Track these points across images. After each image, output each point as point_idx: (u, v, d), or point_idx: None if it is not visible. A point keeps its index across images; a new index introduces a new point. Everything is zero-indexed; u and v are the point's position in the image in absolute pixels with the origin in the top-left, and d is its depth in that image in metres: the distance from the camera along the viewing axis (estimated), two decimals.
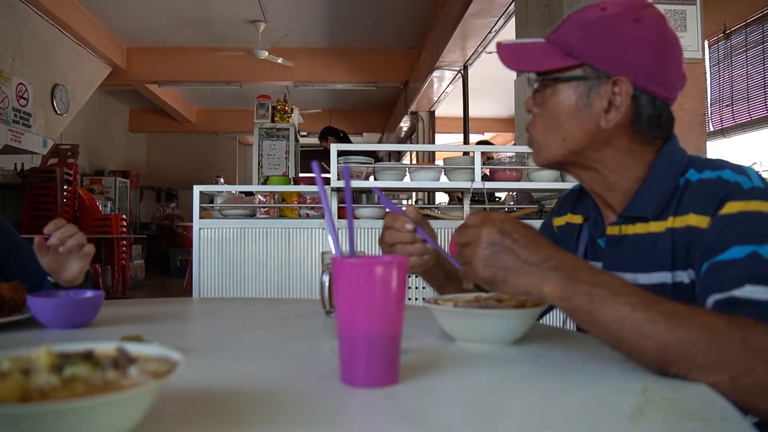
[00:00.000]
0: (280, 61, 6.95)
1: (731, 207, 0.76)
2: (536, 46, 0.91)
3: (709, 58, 4.66)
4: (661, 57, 0.84)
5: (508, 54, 0.90)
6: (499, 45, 0.91)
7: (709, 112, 4.67)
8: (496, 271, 0.70)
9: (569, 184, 2.55)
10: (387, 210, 2.98)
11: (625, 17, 0.84)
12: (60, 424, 0.38)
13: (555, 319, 1.18)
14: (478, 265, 0.71)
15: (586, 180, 0.93)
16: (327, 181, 2.79)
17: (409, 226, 0.91)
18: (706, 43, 4.61)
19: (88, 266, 1.23)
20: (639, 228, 0.88)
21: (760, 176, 0.80)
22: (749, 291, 0.69)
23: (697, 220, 0.80)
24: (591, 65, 0.84)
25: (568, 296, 0.67)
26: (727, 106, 4.58)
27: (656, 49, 0.84)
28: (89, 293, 1.02)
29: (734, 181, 0.79)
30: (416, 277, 2.64)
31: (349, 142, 5.61)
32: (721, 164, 0.83)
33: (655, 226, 0.86)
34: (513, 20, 4.66)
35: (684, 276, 0.82)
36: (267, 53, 6.96)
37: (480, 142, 5.60)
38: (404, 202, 5.57)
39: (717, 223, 0.77)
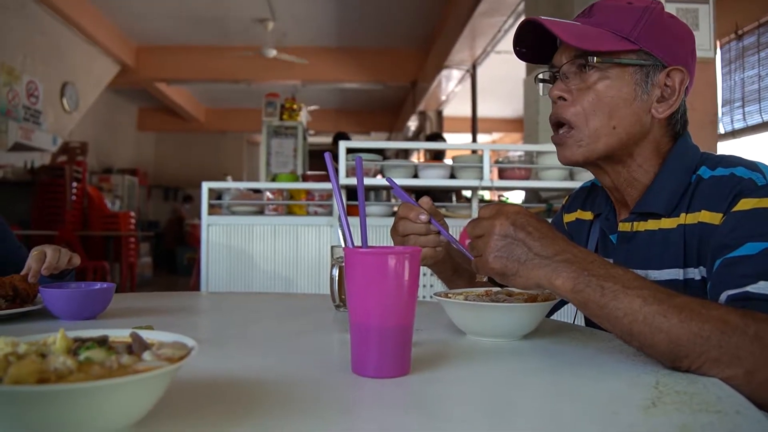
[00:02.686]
0: (291, 58, 6.94)
1: (745, 204, 0.76)
2: (580, 26, 0.86)
3: (721, 59, 4.62)
4: (695, 54, 0.87)
5: (561, 29, 0.83)
6: (541, 20, 0.84)
7: (720, 113, 4.64)
8: (508, 263, 0.70)
9: (578, 183, 2.54)
10: (398, 202, 2.99)
11: (663, 12, 0.85)
12: (76, 406, 0.38)
13: (565, 314, 1.18)
14: (490, 257, 0.71)
15: (611, 175, 0.91)
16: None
17: (424, 217, 0.91)
18: (718, 43, 4.58)
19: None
20: (651, 224, 0.87)
21: None
22: (763, 286, 0.68)
23: (709, 217, 0.79)
24: (648, 52, 0.84)
25: (580, 289, 0.67)
26: (738, 107, 4.55)
27: (693, 46, 0.87)
28: (100, 285, 1.03)
29: (747, 177, 0.78)
30: (426, 274, 2.62)
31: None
32: (734, 161, 0.82)
33: (667, 223, 0.85)
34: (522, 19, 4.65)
35: (695, 273, 0.82)
36: (275, 52, 6.98)
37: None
38: None
39: (730, 220, 0.76)
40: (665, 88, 0.85)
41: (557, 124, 0.90)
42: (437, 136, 5.72)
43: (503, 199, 3.89)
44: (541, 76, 0.95)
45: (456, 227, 2.77)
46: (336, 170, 2.87)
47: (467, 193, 3.06)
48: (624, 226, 0.91)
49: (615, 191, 0.93)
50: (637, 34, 0.83)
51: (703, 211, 0.80)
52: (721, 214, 0.78)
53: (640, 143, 0.87)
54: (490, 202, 3.31)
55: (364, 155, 2.86)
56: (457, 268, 1.06)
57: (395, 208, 2.83)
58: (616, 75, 0.84)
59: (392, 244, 0.97)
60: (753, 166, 0.80)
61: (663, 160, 0.88)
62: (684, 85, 0.84)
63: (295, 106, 6.00)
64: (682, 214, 0.83)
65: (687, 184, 0.84)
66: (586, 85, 0.85)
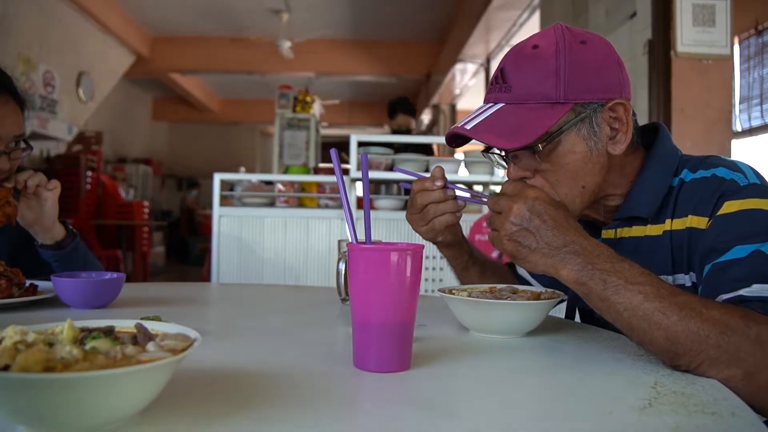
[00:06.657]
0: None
1: (729, 207, 0.76)
2: (506, 113, 0.81)
3: (740, 55, 4.55)
4: (622, 66, 0.84)
5: (494, 136, 0.80)
6: (470, 134, 0.81)
7: (738, 110, 4.56)
8: (520, 248, 0.73)
9: None
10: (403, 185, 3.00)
11: (573, 45, 0.80)
12: (80, 394, 0.39)
13: (559, 311, 1.19)
14: (504, 239, 0.73)
15: (591, 211, 0.91)
16: (346, 171, 2.81)
17: (440, 183, 0.92)
18: (737, 39, 4.50)
19: (56, 206, 1.21)
20: (636, 231, 0.87)
21: (754, 171, 0.80)
22: (757, 289, 0.68)
23: (696, 222, 0.79)
24: (581, 103, 0.80)
25: (583, 282, 0.68)
26: (756, 104, 4.47)
27: (616, 60, 0.83)
28: (111, 275, 1.05)
29: (729, 178, 0.78)
30: (429, 269, 2.61)
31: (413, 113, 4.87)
32: (714, 162, 0.82)
33: (653, 230, 0.85)
34: (537, 14, 4.61)
35: (686, 279, 0.82)
36: (290, 44, 6.98)
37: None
38: None
39: (716, 224, 0.76)
40: (612, 121, 0.82)
41: None
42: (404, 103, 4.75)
43: None
44: (488, 152, 0.92)
45: (466, 222, 2.77)
46: (345, 160, 2.88)
47: (478, 188, 3.06)
48: (607, 233, 0.91)
49: (591, 207, 0.92)
50: (564, 92, 0.79)
51: (690, 216, 0.80)
52: (707, 219, 0.78)
53: (608, 175, 0.86)
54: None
55: (374, 149, 2.87)
56: (473, 253, 1.06)
57: (405, 202, 2.84)
58: (564, 140, 0.81)
59: (400, 240, 0.97)
60: (734, 166, 0.80)
61: (640, 169, 0.87)
62: (629, 111, 0.81)
63: (308, 99, 6.00)
64: (668, 220, 0.83)
65: (669, 187, 0.84)
66: (541, 162, 0.82)
